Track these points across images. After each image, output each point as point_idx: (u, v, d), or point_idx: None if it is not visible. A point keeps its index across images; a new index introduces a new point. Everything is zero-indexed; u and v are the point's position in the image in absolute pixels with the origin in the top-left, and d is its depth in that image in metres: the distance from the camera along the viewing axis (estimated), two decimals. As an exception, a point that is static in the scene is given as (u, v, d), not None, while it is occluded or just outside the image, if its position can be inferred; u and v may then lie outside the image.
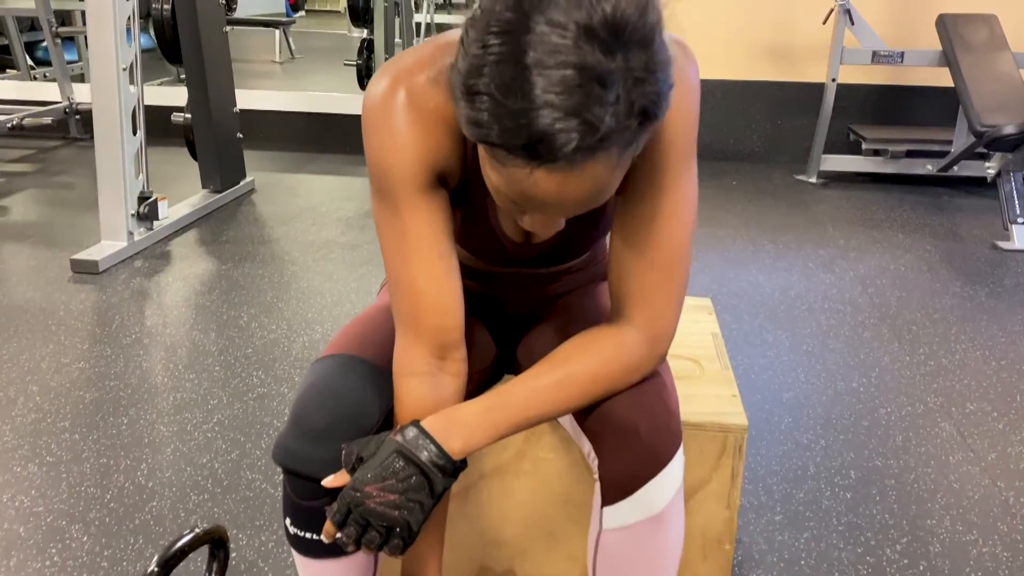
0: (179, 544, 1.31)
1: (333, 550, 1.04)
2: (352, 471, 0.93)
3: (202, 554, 1.55)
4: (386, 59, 5.14)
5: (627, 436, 0.95)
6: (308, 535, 1.03)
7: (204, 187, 3.90)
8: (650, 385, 0.98)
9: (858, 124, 4.51)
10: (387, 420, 1.02)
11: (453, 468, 0.91)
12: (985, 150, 3.61)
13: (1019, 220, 3.43)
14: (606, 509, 0.99)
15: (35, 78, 5.83)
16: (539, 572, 1.38)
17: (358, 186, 4.27)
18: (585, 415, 0.99)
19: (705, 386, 1.36)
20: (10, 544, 1.62)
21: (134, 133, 3.14)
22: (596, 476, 1.00)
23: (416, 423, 0.93)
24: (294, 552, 1.08)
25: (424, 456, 0.90)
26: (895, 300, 2.88)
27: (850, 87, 4.49)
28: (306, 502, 1.01)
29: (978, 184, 4.32)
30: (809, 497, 1.80)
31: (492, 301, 1.26)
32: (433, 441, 0.91)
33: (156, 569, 1.26)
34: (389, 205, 0.95)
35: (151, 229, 3.31)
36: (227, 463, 1.88)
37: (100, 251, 3.07)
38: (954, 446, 2.00)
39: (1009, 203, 3.47)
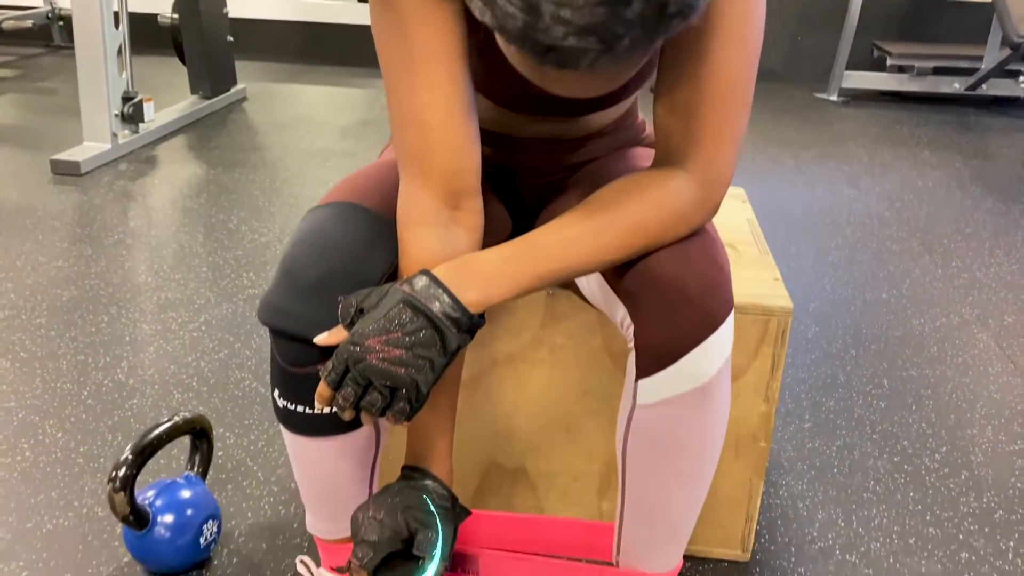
0: (156, 432, 1.18)
1: (327, 427, 0.91)
2: (351, 325, 0.78)
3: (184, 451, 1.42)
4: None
5: (673, 295, 0.80)
6: (299, 408, 0.89)
7: (193, 93, 3.70)
8: (698, 240, 0.83)
9: (883, 40, 4.29)
10: (392, 278, 0.88)
11: (469, 322, 0.77)
12: (1018, 64, 3.41)
13: (1053, 137, 3.25)
14: (642, 382, 0.85)
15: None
16: (553, 470, 1.25)
17: (355, 96, 4.08)
18: (621, 273, 0.84)
19: (743, 270, 1.22)
20: (-24, 439, 1.49)
21: (116, 27, 2.94)
22: (631, 345, 0.86)
23: (427, 271, 0.78)
24: (283, 430, 0.94)
25: (436, 307, 0.75)
26: (924, 215, 2.72)
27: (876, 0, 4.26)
28: (297, 369, 0.86)
29: (1008, 104, 4.13)
30: (840, 406, 1.67)
31: (508, 173, 1.10)
32: (447, 291, 0.76)
33: (130, 457, 1.14)
34: (391, 14, 0.79)
35: (136, 132, 3.13)
36: (214, 362, 1.75)
37: (82, 152, 2.90)
38: (992, 357, 1.87)
39: (1043, 119, 3.29)
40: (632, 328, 0.85)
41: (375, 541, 0.82)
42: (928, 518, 1.37)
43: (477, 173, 0.86)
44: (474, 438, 1.24)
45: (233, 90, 3.85)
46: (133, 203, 2.62)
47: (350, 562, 0.84)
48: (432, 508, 0.85)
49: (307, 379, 0.86)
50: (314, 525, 1.01)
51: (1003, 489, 1.45)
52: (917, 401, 1.69)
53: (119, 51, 2.96)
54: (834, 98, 4.18)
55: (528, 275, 0.79)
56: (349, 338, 0.76)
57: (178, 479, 1.23)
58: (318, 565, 1.04)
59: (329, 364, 0.77)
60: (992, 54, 3.85)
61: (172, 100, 3.62)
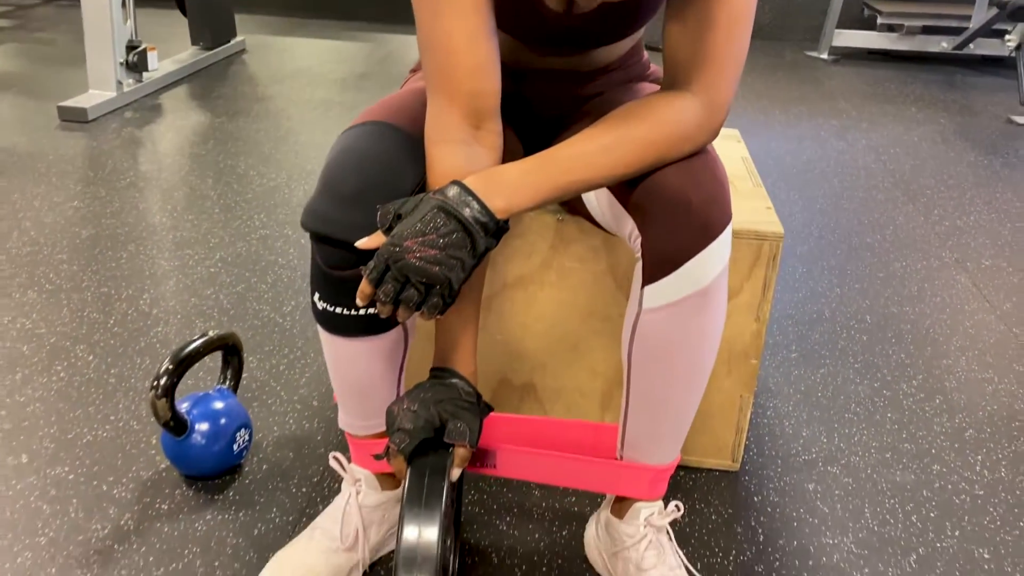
0: (192, 345, 1.27)
1: (361, 328, 1.00)
2: (389, 230, 0.87)
3: (211, 375, 1.51)
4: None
5: (677, 207, 0.89)
6: (337, 310, 0.98)
7: (194, 43, 3.74)
8: (701, 158, 0.92)
9: (872, 1, 4.36)
10: (422, 190, 0.96)
11: (495, 227, 0.86)
12: (1005, 24, 3.49)
13: (1036, 94, 3.34)
14: (648, 288, 0.94)
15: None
16: (560, 386, 1.35)
17: (352, 49, 4.12)
18: (630, 188, 0.93)
19: (739, 201, 1.31)
20: (14, 361, 1.57)
21: (121, -25, 2.97)
22: (638, 255, 0.95)
23: (458, 181, 0.87)
24: (321, 332, 1.03)
25: (467, 212, 0.84)
26: (908, 167, 2.82)
27: (867, -40, 4.32)
28: (336, 272, 0.95)
29: (994, 63, 4.21)
30: (825, 338, 1.78)
31: (522, 104, 1.18)
32: (476, 198, 0.85)
33: (170, 367, 1.23)
34: None
35: (140, 81, 3.18)
36: (232, 295, 1.83)
37: (88, 100, 2.95)
38: (969, 296, 1.98)
39: (1027, 77, 3.38)
40: (639, 240, 0.94)
41: (410, 429, 0.92)
42: (904, 436, 1.48)
43: (497, 95, 0.94)
44: (486, 356, 1.33)
45: (233, 42, 3.88)
46: (142, 149, 2.68)
47: (388, 448, 0.94)
48: (460, 401, 0.95)
49: (345, 282, 0.95)
50: (346, 422, 1.11)
51: (973, 411, 1.56)
52: (897, 335, 1.80)
53: (123, 1, 3.00)
54: (825, 56, 4.25)
55: (548, 186, 0.88)
56: (389, 240, 0.85)
57: (211, 392, 1.32)
58: (349, 461, 1.14)
59: (371, 264, 0.85)
60: (979, 14, 3.93)
61: (173, 52, 3.66)
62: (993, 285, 2.04)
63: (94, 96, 2.98)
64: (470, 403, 0.96)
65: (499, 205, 0.86)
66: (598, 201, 1.04)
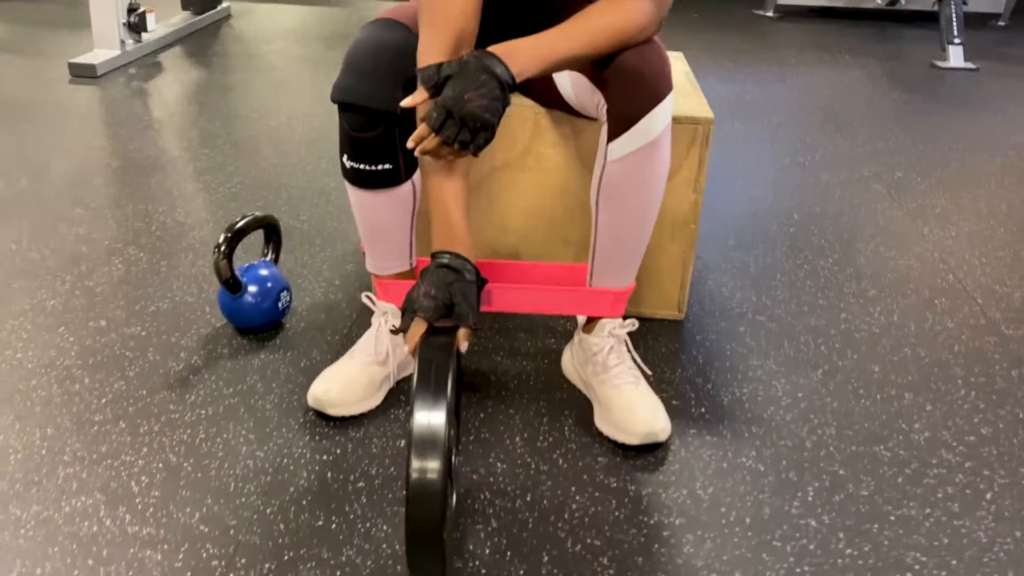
0: (243, 220, 1.57)
1: (382, 181, 1.31)
2: (434, 87, 1.13)
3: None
4: None
5: (633, 77, 1.21)
6: (362, 166, 1.29)
7: (184, 8, 3.98)
8: (650, 45, 1.24)
9: (814, -40, 4.70)
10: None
11: (513, 85, 1.14)
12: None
13: (955, 41, 3.71)
14: (611, 145, 1.25)
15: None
16: (539, 254, 1.67)
17: (332, 13, 4.38)
18: (600, 68, 1.24)
19: (679, 98, 1.63)
20: (76, 257, 1.86)
21: (121, -59, 3.22)
22: (604, 120, 1.26)
23: (488, 51, 1.14)
24: (350, 189, 1.34)
25: (499, 71, 1.13)
26: (839, 103, 3.17)
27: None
28: (359, 134, 1.26)
29: (922, 17, 4.58)
30: (757, 230, 2.12)
31: (500, 25, 1.48)
32: (502, 62, 1.14)
33: (228, 235, 1.53)
34: None
35: (139, 41, 3.43)
36: (254, 208, 2.13)
37: (95, 57, 3.20)
38: (882, 199, 2.33)
39: (948, 26, 3.74)
40: (605, 107, 1.26)
41: (429, 307, 1.14)
42: (818, 295, 1.83)
43: (475, 32, 1.21)
44: (477, 231, 1.65)
45: (219, 7, 4.13)
46: (151, 98, 2.95)
47: (404, 327, 1.16)
48: (465, 282, 1.18)
49: (367, 142, 1.27)
50: (372, 264, 1.42)
51: (878, 279, 1.91)
52: (819, 227, 2.15)
53: (124, -36, 3.25)
54: (770, 14, 4.59)
55: (551, 57, 1.17)
56: (451, 92, 1.10)
57: (256, 263, 1.63)
58: (376, 299, 1.45)
59: (432, 113, 1.11)
60: (909, -29, 4.29)
61: (162, 16, 3.90)
62: (904, 191, 2.39)
63: (100, 54, 3.23)
64: (471, 281, 1.18)
65: (515, 70, 1.15)
66: (573, 88, 1.35)
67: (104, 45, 3.28)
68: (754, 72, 3.54)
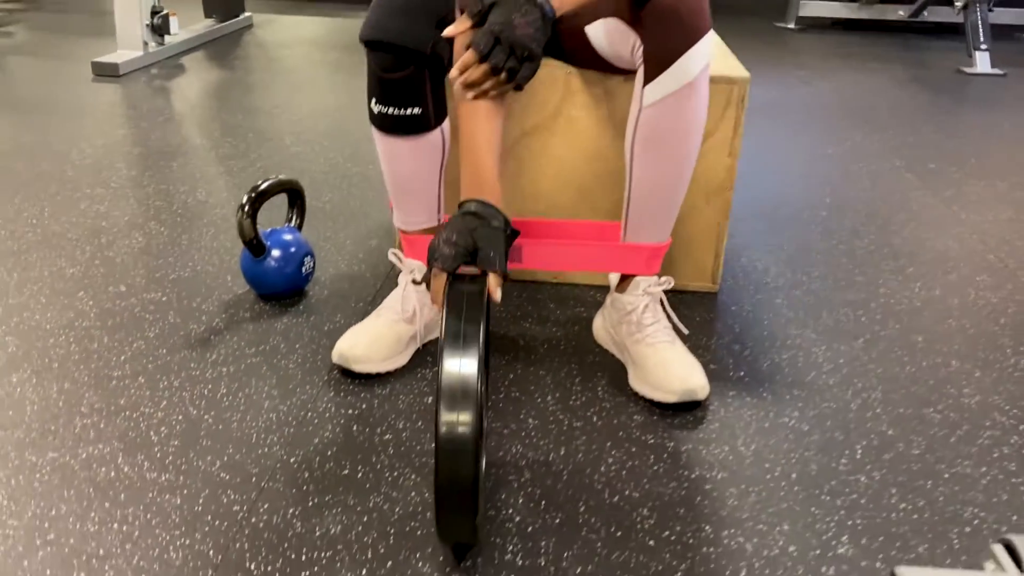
0: (267, 183, 1.54)
1: (410, 127, 1.28)
2: (478, 15, 1.10)
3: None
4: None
5: (669, 16, 1.17)
6: (390, 110, 1.26)
7: (207, 16, 4.01)
8: (684, -15, 1.21)
9: (835, -26, 4.70)
10: (451, 10, 1.23)
11: (553, 19, 1.12)
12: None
13: (982, 47, 3.67)
14: (647, 88, 1.22)
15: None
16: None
17: (351, 24, 4.40)
18: (637, 8, 1.21)
19: (714, 64, 1.59)
20: (96, 231, 1.83)
21: (147, -57, 3.25)
22: (639, 64, 1.23)
23: None
24: (377, 137, 1.31)
25: (543, 3, 1.10)
26: (865, 103, 3.13)
27: (828, -62, 4.66)
28: (387, 75, 1.23)
29: (946, 30, 4.55)
30: (789, 213, 2.07)
31: None
32: None
33: (252, 195, 1.49)
34: None
35: (162, 44, 3.44)
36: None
37: (118, 57, 3.21)
38: (915, 187, 2.28)
39: (974, 32, 3.71)
40: (641, 49, 1.22)
41: (450, 254, 1.06)
42: (856, 271, 1.77)
43: None
44: (508, 198, 1.61)
45: (241, 16, 4.16)
46: (173, 95, 2.95)
47: (428, 277, 1.09)
48: (490, 228, 1.10)
49: (396, 84, 1.23)
50: (399, 219, 1.38)
51: (916, 258, 1.85)
52: (853, 211, 2.10)
53: (149, -34, 3.27)
54: (792, 26, 4.58)
55: None
56: (498, 18, 1.07)
57: (280, 228, 1.59)
58: (404, 257, 1.41)
59: (479, 40, 1.07)
60: (932, -19, 4.28)
61: (184, 23, 3.93)
62: (935, 179, 2.34)
63: (123, 55, 3.24)
64: (498, 228, 1.09)
65: (556, 3, 1.12)
66: (606, 36, 1.32)
67: (127, 46, 3.29)
68: (778, 76, 3.51)
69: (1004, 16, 4.45)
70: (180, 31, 3.65)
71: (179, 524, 1.03)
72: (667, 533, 1.05)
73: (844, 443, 1.23)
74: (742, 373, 1.39)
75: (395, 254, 1.41)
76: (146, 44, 3.31)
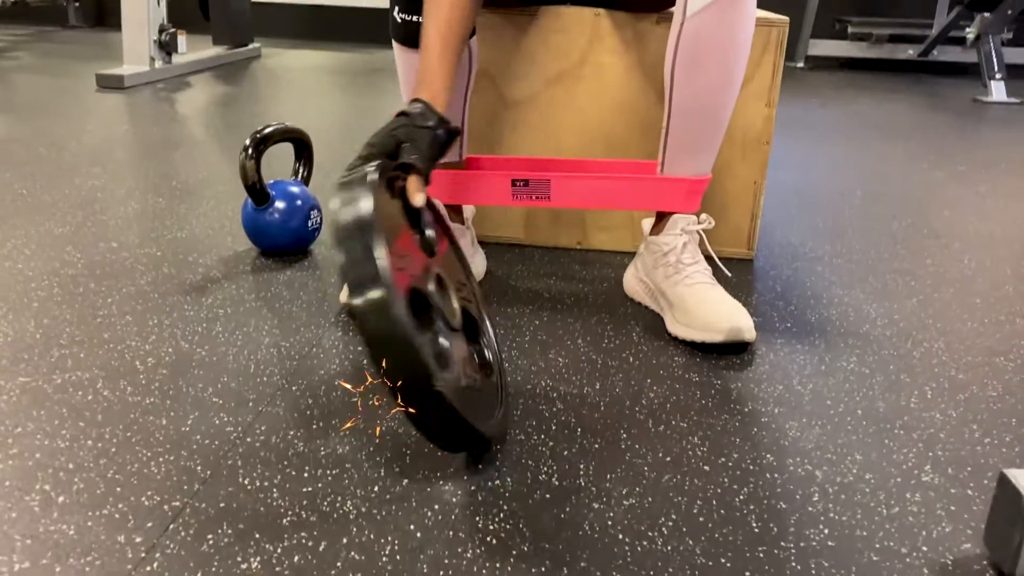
0: (271, 127, 1.45)
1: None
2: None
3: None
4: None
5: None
6: (413, 18, 1.17)
7: (216, 44, 3.98)
8: None
9: (843, 15, 4.71)
10: None
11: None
12: (965, 21, 3.82)
13: (997, 76, 3.64)
14: (690, -2, 1.13)
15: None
16: (595, 179, 1.52)
17: (354, 57, 4.39)
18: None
19: (745, 16, 1.51)
20: (89, 200, 1.73)
21: (158, -40, 3.23)
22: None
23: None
24: (399, 51, 1.22)
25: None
26: (887, 121, 3.07)
27: (835, -19, 4.69)
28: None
29: (956, 71, 4.54)
30: (822, 198, 1.97)
31: None
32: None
33: (257, 136, 1.40)
34: None
35: (169, 62, 3.40)
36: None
37: (124, 71, 3.16)
38: (947, 183, 2.19)
39: (988, 62, 3.68)
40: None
41: (364, 155, 1.01)
42: (897, 247, 1.66)
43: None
44: (530, 151, 1.51)
45: (250, 46, 4.14)
46: (178, 104, 2.88)
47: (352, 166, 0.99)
48: (415, 127, 1.03)
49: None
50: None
51: (959, 237, 1.74)
52: (886, 200, 1.99)
53: (159, -19, 3.25)
54: (801, 64, 4.57)
55: None
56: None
57: (285, 180, 1.48)
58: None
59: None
60: (940, 19, 4.27)
61: (193, 49, 3.91)
62: (969, 178, 2.25)
63: (129, 69, 3.19)
64: (424, 127, 1.03)
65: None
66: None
67: (134, 61, 3.25)
68: (793, 102, 3.46)
69: (1016, 55, 4.43)
70: (188, 53, 3.61)
71: (163, 442, 0.90)
72: (723, 459, 0.91)
73: (912, 384, 1.10)
74: (789, 324, 1.27)
75: (410, 192, 1.30)
76: (153, 60, 3.27)
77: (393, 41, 1.24)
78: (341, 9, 5.13)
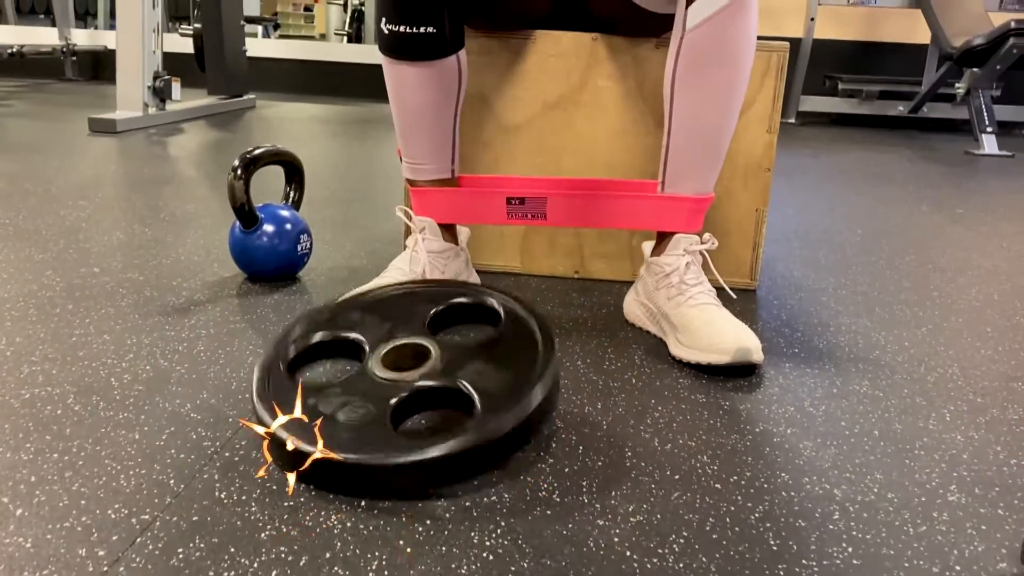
0: (261, 149, 1.41)
1: (423, 51, 1.15)
2: None
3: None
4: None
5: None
6: (402, 28, 1.14)
7: (211, 94, 3.99)
8: None
9: (834, 73, 4.77)
10: None
11: None
12: (954, 80, 3.86)
13: (988, 129, 3.66)
14: (691, 8, 1.10)
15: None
16: (593, 206, 1.48)
17: (353, 108, 4.40)
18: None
19: (744, 45, 1.50)
20: (74, 229, 1.68)
21: (154, 7, 3.25)
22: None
23: None
24: (388, 64, 1.18)
25: None
26: (882, 170, 3.06)
27: (826, 41, 4.75)
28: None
29: (946, 127, 4.58)
30: (823, 237, 1.93)
31: None
32: None
33: (247, 156, 1.36)
34: None
35: (163, 109, 3.39)
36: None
37: (116, 115, 3.14)
38: (947, 224, 2.16)
39: (979, 115, 3.70)
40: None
41: None
42: (903, 280, 1.62)
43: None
44: (528, 175, 1.47)
45: (245, 97, 4.15)
46: (170, 147, 2.86)
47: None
48: None
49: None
50: (408, 168, 1.24)
51: (964, 272, 1.70)
52: (887, 238, 1.96)
53: (155, 29, 3.26)
54: (792, 120, 4.60)
55: None
56: None
57: (275, 203, 1.44)
58: (412, 217, 1.26)
59: None
60: (929, 76, 4.32)
61: (189, 99, 3.91)
62: (968, 220, 2.22)
63: (122, 114, 3.18)
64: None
65: None
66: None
67: (127, 107, 3.24)
68: (787, 151, 3.47)
69: (1005, 112, 4.48)
70: (183, 101, 3.61)
71: (134, 456, 0.84)
72: (735, 478, 0.85)
73: (928, 407, 1.04)
74: (796, 349, 1.22)
75: (403, 211, 1.26)
76: (146, 106, 3.26)
77: (382, 55, 1.21)
78: (336, 65, 5.17)
